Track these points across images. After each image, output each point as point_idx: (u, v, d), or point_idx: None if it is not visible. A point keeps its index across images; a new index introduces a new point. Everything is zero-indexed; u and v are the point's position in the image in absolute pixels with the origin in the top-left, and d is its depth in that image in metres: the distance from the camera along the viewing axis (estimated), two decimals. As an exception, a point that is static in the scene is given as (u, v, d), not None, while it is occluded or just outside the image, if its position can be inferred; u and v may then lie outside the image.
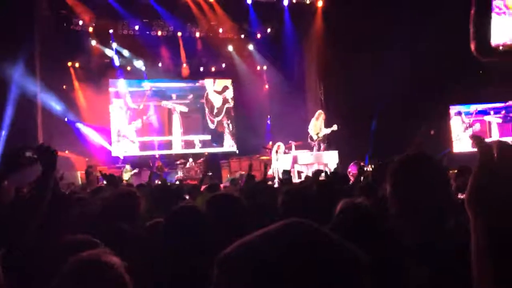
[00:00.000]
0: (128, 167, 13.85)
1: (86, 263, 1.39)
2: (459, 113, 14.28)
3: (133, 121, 16.82)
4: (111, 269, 1.38)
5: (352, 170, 9.25)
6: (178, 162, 15.51)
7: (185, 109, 17.55)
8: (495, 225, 0.70)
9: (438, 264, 1.41)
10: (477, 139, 0.76)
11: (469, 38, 0.78)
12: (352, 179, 6.69)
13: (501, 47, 0.78)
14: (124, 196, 2.77)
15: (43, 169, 1.68)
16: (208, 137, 17.43)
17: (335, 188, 3.63)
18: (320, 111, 12.90)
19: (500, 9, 0.75)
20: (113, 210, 2.64)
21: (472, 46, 0.77)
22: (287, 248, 0.68)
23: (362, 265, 0.70)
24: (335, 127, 12.23)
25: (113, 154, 16.05)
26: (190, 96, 17.67)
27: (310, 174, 9.07)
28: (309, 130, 12.68)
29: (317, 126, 12.58)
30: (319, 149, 12.57)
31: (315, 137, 12.54)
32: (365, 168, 6.26)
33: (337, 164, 11.84)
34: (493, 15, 0.76)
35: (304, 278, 0.66)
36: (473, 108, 14.23)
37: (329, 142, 12.84)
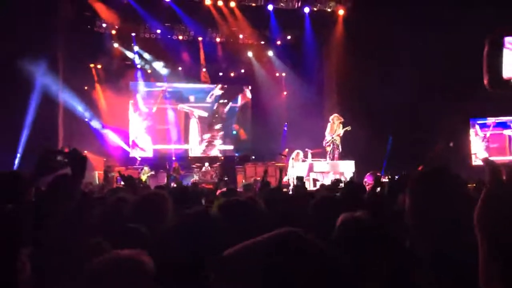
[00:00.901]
0: (146, 168, 13.99)
1: (123, 261, 1.42)
2: (473, 126, 13.96)
3: (147, 125, 16.99)
4: (144, 269, 1.42)
5: (368, 180, 9.18)
6: (194, 166, 15.62)
7: (203, 113, 17.68)
8: (502, 243, 0.72)
9: (450, 276, 1.41)
10: (487, 161, 0.79)
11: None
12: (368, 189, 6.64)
13: None
14: (155, 198, 2.82)
15: (73, 173, 1.72)
16: (230, 147, 17.50)
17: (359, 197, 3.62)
18: (336, 114, 12.87)
19: (511, 44, 0.81)
20: (143, 211, 2.68)
21: (485, 80, 0.82)
22: (276, 255, 0.73)
23: (344, 274, 0.75)
24: (349, 128, 12.26)
25: (131, 155, 16.24)
26: (209, 101, 17.79)
27: (325, 183, 9.04)
28: (325, 133, 12.72)
29: (333, 130, 12.60)
30: (333, 155, 12.55)
31: (328, 138, 12.55)
32: (381, 179, 6.20)
33: (353, 173, 11.77)
34: (505, 50, 0.81)
35: (290, 283, 0.71)
36: (491, 120, 13.86)
37: (345, 151, 12.81)
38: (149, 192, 3.10)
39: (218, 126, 17.83)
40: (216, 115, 17.88)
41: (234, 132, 17.98)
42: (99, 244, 1.74)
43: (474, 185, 5.50)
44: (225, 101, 18.03)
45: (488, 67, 0.83)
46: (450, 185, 1.58)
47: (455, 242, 1.51)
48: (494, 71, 0.82)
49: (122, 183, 5.84)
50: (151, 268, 1.46)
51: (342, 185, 5.52)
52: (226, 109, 18.01)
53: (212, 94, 17.88)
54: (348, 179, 9.18)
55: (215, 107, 17.86)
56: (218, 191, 5.90)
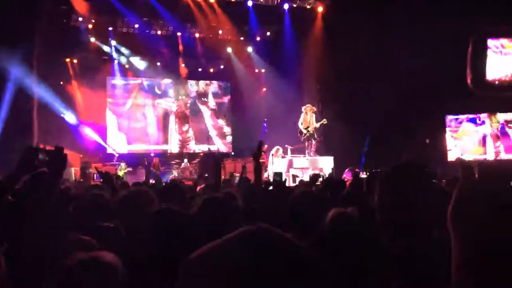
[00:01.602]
0: (123, 164, 13.82)
1: (86, 263, 1.40)
2: (449, 123, 14.21)
3: (122, 123, 16.78)
4: (111, 269, 1.40)
5: (347, 176, 9.30)
6: (173, 162, 15.51)
7: (180, 109, 17.54)
8: (474, 240, 0.74)
9: (422, 272, 1.43)
10: (459, 160, 0.81)
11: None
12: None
13: (496, 82, 0.83)
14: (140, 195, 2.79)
15: (54, 171, 1.69)
16: (205, 146, 17.44)
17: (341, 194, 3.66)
18: (308, 105, 12.94)
19: (497, 47, 0.83)
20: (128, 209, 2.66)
21: (468, 80, 0.83)
22: (243, 253, 0.68)
23: (320, 271, 0.72)
24: (324, 121, 12.33)
25: (108, 151, 16.02)
26: (186, 96, 17.68)
27: (305, 179, 9.10)
28: (298, 125, 12.75)
29: (307, 120, 12.65)
30: (311, 149, 12.64)
31: (304, 131, 12.61)
32: (360, 175, 6.29)
33: (332, 169, 11.89)
34: (490, 52, 0.82)
35: (263, 284, 0.67)
36: (463, 117, 14.14)
37: (323, 146, 12.90)
38: (135, 190, 3.07)
39: (195, 122, 17.73)
40: (194, 111, 17.77)
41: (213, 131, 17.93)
42: (81, 241, 1.71)
43: (444, 181, 5.62)
44: (204, 98, 17.94)
45: (472, 68, 0.84)
46: (417, 181, 1.60)
47: (426, 239, 1.54)
48: (477, 72, 0.83)
49: (100, 179, 5.75)
50: (117, 269, 1.44)
51: (320, 179, 5.55)
52: (205, 105, 17.91)
53: (191, 90, 17.77)
54: (327, 175, 9.25)
55: (193, 103, 17.75)
56: (198, 188, 5.88)
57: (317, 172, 10.90)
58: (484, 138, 13.75)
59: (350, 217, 1.88)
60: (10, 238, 1.54)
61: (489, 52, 0.84)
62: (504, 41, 0.84)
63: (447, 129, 14.15)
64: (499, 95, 0.86)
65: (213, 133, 17.88)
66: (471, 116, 14.04)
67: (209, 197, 2.71)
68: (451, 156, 13.59)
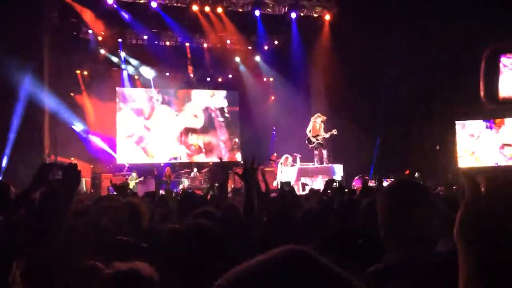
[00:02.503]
0: (134, 174, 13.87)
1: (125, 274, 1.41)
2: (459, 127, 14.07)
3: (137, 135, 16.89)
4: (149, 281, 1.41)
5: (356, 184, 9.26)
6: (182, 172, 15.53)
7: (188, 118, 17.62)
8: (483, 255, 0.72)
9: (416, 283, 1.43)
10: (465, 172, 0.80)
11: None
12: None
13: (508, 98, 0.85)
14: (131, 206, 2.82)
15: (68, 187, 1.72)
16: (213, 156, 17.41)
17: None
18: (318, 114, 12.91)
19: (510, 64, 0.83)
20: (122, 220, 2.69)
21: (482, 94, 0.83)
22: (279, 282, 0.62)
23: None
24: (334, 131, 12.26)
25: (118, 162, 16.10)
26: (194, 106, 17.75)
27: (314, 187, 9.07)
28: (306, 132, 12.72)
29: (316, 129, 12.61)
30: (320, 157, 12.59)
31: (313, 140, 12.56)
32: (369, 183, 6.26)
33: (342, 177, 11.84)
34: (506, 70, 0.83)
35: None
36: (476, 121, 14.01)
37: (333, 154, 12.85)
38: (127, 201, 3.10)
39: (204, 131, 17.78)
40: (203, 121, 17.82)
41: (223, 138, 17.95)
42: (94, 265, 1.72)
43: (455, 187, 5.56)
44: (213, 108, 18.01)
45: (484, 84, 0.85)
46: (414, 198, 1.62)
47: (429, 253, 1.55)
48: (490, 88, 0.84)
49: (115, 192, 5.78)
50: (155, 281, 1.45)
51: (335, 184, 5.49)
52: (214, 114, 17.98)
53: (199, 100, 17.85)
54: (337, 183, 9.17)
55: (201, 112, 17.81)
56: (209, 197, 5.88)
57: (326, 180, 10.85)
58: (497, 144, 13.59)
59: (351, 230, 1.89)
60: (25, 254, 1.56)
61: (505, 69, 0.84)
62: None
63: (458, 134, 14.00)
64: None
65: (221, 142, 17.91)
66: (483, 120, 13.90)
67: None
68: (462, 163, 13.45)
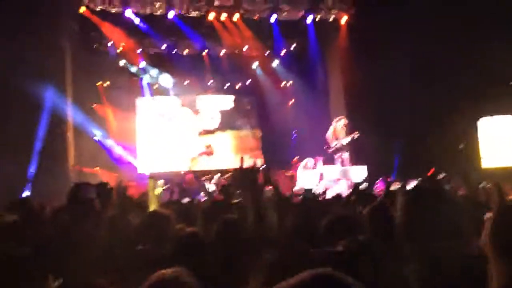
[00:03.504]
0: (159, 182, 13.95)
1: (167, 282, 1.45)
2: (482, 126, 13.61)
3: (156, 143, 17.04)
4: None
5: (380, 186, 9.15)
6: (203, 178, 15.57)
7: (208, 125, 17.71)
8: None
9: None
10: (496, 185, 0.80)
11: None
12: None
13: None
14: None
15: (102, 204, 1.76)
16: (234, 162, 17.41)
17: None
18: (340, 117, 12.85)
19: None
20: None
21: None
22: None
23: None
24: (356, 134, 12.17)
25: (139, 171, 16.28)
26: (213, 113, 17.82)
27: (337, 190, 9.00)
28: (327, 135, 12.66)
29: (337, 133, 12.54)
30: (341, 158, 12.50)
31: (333, 144, 12.49)
32: (392, 186, 6.16)
33: (366, 178, 11.70)
34: None
35: None
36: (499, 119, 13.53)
37: (355, 155, 12.74)
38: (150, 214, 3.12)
39: (223, 137, 17.84)
40: (222, 127, 17.87)
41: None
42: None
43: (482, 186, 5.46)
44: (232, 114, 18.05)
45: None
46: (434, 204, 1.61)
47: (456, 256, 1.53)
48: None
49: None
50: (195, 285, 1.48)
51: (363, 186, 5.43)
52: (233, 120, 18.02)
53: (218, 106, 17.93)
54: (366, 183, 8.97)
55: (220, 119, 17.87)
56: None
57: (349, 183, 10.76)
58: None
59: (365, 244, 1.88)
60: (59, 270, 1.59)
61: None
62: None
63: (480, 132, 13.72)
64: None
65: (241, 147, 17.93)
66: (506, 118, 13.59)
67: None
68: (485, 164, 13.17)
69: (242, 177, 2.32)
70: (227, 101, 17.95)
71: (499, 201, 0.66)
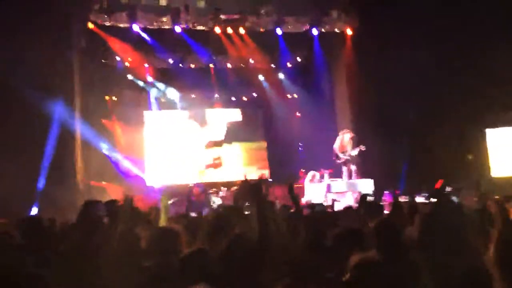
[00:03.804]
0: (166, 196, 13.94)
1: None
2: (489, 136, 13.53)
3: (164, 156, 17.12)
4: None
5: (387, 199, 9.12)
6: (210, 191, 15.58)
7: (215, 138, 17.77)
8: None
9: None
10: (498, 202, 0.83)
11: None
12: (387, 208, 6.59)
13: None
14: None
15: (111, 221, 1.79)
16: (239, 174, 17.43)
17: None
18: (346, 129, 12.88)
19: None
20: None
21: None
22: None
23: None
24: (362, 147, 12.17)
25: (148, 184, 16.34)
26: (220, 126, 17.91)
27: (344, 203, 8.98)
28: (334, 148, 12.67)
29: (344, 145, 12.56)
30: (348, 171, 12.49)
31: (340, 156, 12.50)
32: (400, 198, 6.15)
33: (373, 191, 11.67)
34: None
35: None
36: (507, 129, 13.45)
37: (362, 167, 12.72)
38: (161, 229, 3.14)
39: (230, 150, 17.87)
40: (229, 140, 17.92)
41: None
42: None
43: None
44: (239, 127, 18.10)
45: None
46: (451, 220, 1.65)
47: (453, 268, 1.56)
48: None
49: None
50: None
51: (369, 198, 5.44)
52: (240, 132, 18.06)
53: (225, 120, 18.01)
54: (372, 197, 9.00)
55: (227, 132, 17.92)
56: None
57: (355, 196, 10.73)
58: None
59: (373, 264, 1.89)
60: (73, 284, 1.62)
61: None
62: None
63: (489, 142, 13.64)
64: None
65: (247, 160, 17.95)
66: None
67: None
68: (494, 174, 13.09)
69: (247, 190, 2.34)
70: (234, 114, 18.05)
71: (502, 221, 0.67)
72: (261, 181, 2.44)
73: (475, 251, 1.70)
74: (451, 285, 1.49)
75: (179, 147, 17.42)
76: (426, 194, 9.46)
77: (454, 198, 6.90)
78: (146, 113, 17.30)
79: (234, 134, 17.93)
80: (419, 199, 9.05)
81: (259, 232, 2.54)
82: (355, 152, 12.46)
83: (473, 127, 12.90)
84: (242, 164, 17.77)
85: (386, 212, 5.67)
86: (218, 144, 17.76)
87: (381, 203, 7.68)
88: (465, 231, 1.65)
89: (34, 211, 10.62)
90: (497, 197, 5.42)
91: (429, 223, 1.64)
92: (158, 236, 2.75)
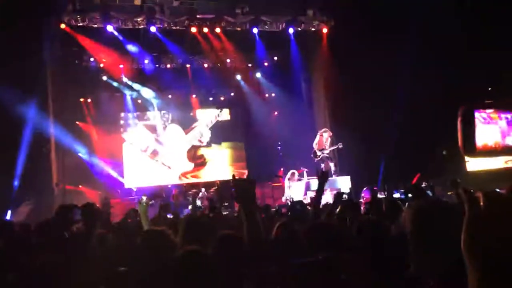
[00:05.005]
0: (144, 198, 13.79)
1: None
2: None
3: (142, 159, 16.95)
4: None
5: (365, 195, 9.22)
6: (190, 193, 15.51)
7: (193, 139, 17.69)
8: (488, 268, 0.76)
9: None
10: (465, 191, 0.85)
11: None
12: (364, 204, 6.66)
13: (485, 148, 0.96)
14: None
15: (87, 225, 1.75)
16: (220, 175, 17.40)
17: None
18: (325, 129, 13.02)
19: (485, 119, 0.97)
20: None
21: (460, 146, 0.96)
22: None
23: None
24: (340, 145, 12.32)
25: (126, 186, 16.15)
26: (198, 126, 17.84)
27: (323, 201, 9.01)
28: (313, 145, 12.77)
29: (322, 143, 12.68)
30: (327, 168, 12.59)
31: (319, 153, 12.61)
32: (378, 194, 6.22)
33: (350, 189, 11.79)
34: (479, 123, 0.96)
35: None
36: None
37: (340, 165, 12.84)
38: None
39: (209, 150, 17.82)
40: (207, 140, 17.87)
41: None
42: None
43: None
44: (216, 127, 18.07)
45: (462, 137, 0.96)
46: (442, 218, 1.67)
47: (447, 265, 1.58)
48: (468, 141, 0.95)
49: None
50: None
51: (345, 196, 5.48)
52: (218, 132, 18.02)
53: (203, 120, 17.94)
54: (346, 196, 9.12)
55: (205, 132, 17.87)
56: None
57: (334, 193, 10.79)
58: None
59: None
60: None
61: (478, 122, 0.96)
62: (490, 111, 0.98)
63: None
64: (489, 157, 0.95)
65: (227, 160, 17.93)
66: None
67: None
68: (470, 167, 13.37)
69: (240, 187, 2.29)
70: (212, 115, 18.00)
71: (469, 206, 0.69)
72: (253, 180, 2.40)
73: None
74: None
75: (157, 148, 17.27)
76: (402, 190, 9.61)
77: (429, 192, 7.04)
78: (122, 115, 17.08)
79: (213, 135, 17.88)
80: (396, 195, 9.19)
81: (249, 234, 2.49)
82: (332, 149, 12.59)
83: (449, 122, 13.11)
84: (221, 165, 17.74)
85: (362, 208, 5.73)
86: (197, 146, 17.67)
87: (358, 201, 7.78)
88: (455, 225, 1.67)
89: (9, 215, 10.37)
90: (472, 191, 5.53)
91: (423, 219, 1.65)
92: (150, 238, 2.70)
